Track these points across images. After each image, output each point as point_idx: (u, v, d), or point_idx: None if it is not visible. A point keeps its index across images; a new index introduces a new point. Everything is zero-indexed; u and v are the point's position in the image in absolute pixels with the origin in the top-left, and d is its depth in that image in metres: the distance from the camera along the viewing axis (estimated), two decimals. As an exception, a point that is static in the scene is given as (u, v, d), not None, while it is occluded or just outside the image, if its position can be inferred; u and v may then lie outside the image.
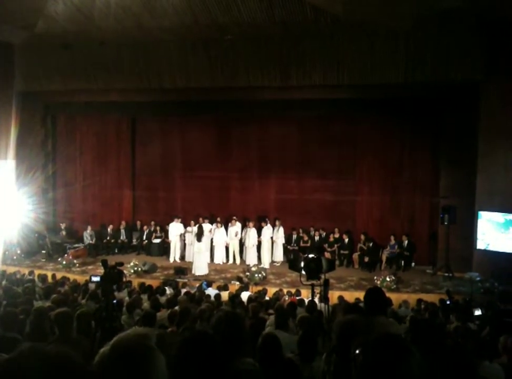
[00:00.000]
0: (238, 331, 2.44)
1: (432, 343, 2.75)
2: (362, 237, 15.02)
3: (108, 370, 1.51)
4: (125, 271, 12.77)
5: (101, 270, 6.21)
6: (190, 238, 15.25)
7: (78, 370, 1.25)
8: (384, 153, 15.47)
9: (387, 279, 12.57)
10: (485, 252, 13.04)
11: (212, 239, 15.22)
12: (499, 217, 12.80)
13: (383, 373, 1.43)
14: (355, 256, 14.95)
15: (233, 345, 2.35)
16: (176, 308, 8.10)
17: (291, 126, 16.32)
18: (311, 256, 6.35)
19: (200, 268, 14.05)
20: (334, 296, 11.46)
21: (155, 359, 1.58)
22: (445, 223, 13.52)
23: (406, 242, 14.70)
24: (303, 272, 6.39)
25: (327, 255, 14.37)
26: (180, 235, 15.74)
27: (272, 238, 15.30)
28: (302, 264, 6.36)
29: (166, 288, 11.27)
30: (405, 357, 1.47)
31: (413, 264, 14.79)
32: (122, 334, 1.65)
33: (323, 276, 6.17)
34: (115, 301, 5.41)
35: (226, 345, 2.17)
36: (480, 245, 13.14)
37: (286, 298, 10.93)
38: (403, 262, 14.58)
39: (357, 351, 1.56)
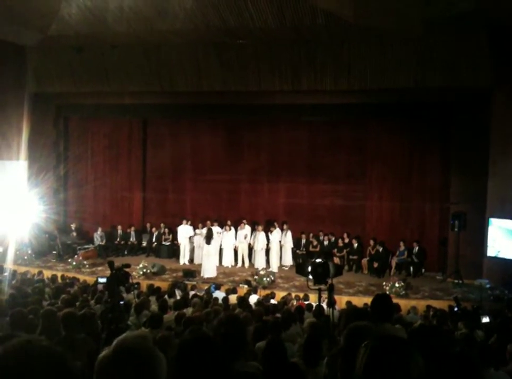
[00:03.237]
0: (239, 334, 2.46)
1: (434, 350, 2.74)
2: (372, 242, 14.95)
3: (111, 372, 1.53)
4: (133, 273, 12.89)
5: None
6: (199, 240, 15.29)
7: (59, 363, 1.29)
8: (394, 159, 15.41)
9: (396, 285, 12.50)
10: (496, 259, 12.93)
11: (220, 242, 15.25)
12: (510, 224, 12.69)
13: (380, 371, 1.47)
14: (364, 261, 14.90)
15: (234, 348, 2.37)
16: (185, 310, 8.16)
17: (301, 130, 16.32)
18: (318, 260, 6.31)
19: (209, 270, 14.09)
20: (342, 301, 11.45)
21: (157, 360, 1.60)
22: (456, 229, 13.43)
23: (417, 248, 14.60)
24: (310, 276, 6.37)
25: (336, 260, 14.34)
26: (190, 238, 15.79)
27: (280, 242, 15.29)
28: (309, 269, 6.33)
29: (175, 290, 11.31)
30: (404, 358, 1.50)
31: (423, 270, 14.70)
32: (122, 336, 1.67)
33: (330, 281, 6.14)
34: (122, 302, 5.44)
35: (226, 348, 2.20)
36: (491, 252, 13.04)
37: (294, 303, 10.93)
38: (412, 268, 14.50)
39: (362, 345, 1.59)
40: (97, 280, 10.17)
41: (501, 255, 12.79)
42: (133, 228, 17.06)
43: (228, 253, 15.44)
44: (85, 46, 14.64)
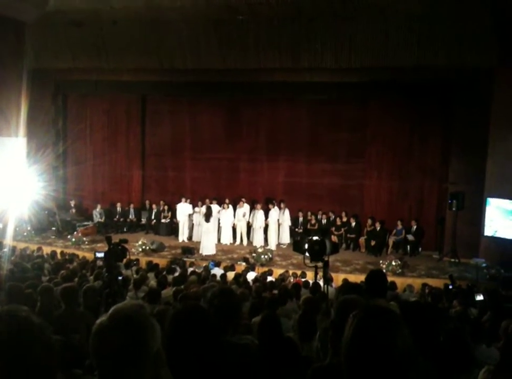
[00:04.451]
0: (232, 305, 2.50)
1: (426, 325, 2.79)
2: (369, 221, 15.02)
3: (107, 338, 1.56)
4: (132, 250, 12.96)
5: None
6: (198, 218, 15.35)
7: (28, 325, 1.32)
8: (394, 138, 15.36)
9: (393, 263, 12.61)
10: (493, 239, 13.02)
11: (219, 220, 15.31)
12: (508, 204, 12.73)
13: (366, 341, 1.49)
14: (362, 239, 14.99)
15: (227, 319, 2.42)
16: (183, 286, 8.24)
17: (301, 108, 16.24)
18: (315, 238, 6.35)
19: (207, 248, 14.18)
20: (339, 278, 11.55)
21: (151, 328, 1.63)
22: (453, 209, 13.47)
23: (415, 227, 14.68)
24: (307, 254, 6.41)
25: (333, 238, 14.41)
26: (189, 215, 15.85)
27: (278, 220, 15.35)
28: (306, 246, 6.37)
29: (175, 267, 11.38)
30: (390, 328, 1.52)
31: (420, 249, 14.80)
32: (119, 304, 1.71)
33: (326, 258, 6.19)
34: (120, 277, 5.49)
35: (219, 319, 2.24)
36: (488, 231, 13.11)
37: (292, 280, 11.04)
38: (409, 247, 14.59)
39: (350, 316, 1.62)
40: (95, 254, 10.20)
41: (498, 235, 12.87)
42: (132, 206, 17.11)
43: (227, 231, 15.51)
44: (84, 22, 14.49)
